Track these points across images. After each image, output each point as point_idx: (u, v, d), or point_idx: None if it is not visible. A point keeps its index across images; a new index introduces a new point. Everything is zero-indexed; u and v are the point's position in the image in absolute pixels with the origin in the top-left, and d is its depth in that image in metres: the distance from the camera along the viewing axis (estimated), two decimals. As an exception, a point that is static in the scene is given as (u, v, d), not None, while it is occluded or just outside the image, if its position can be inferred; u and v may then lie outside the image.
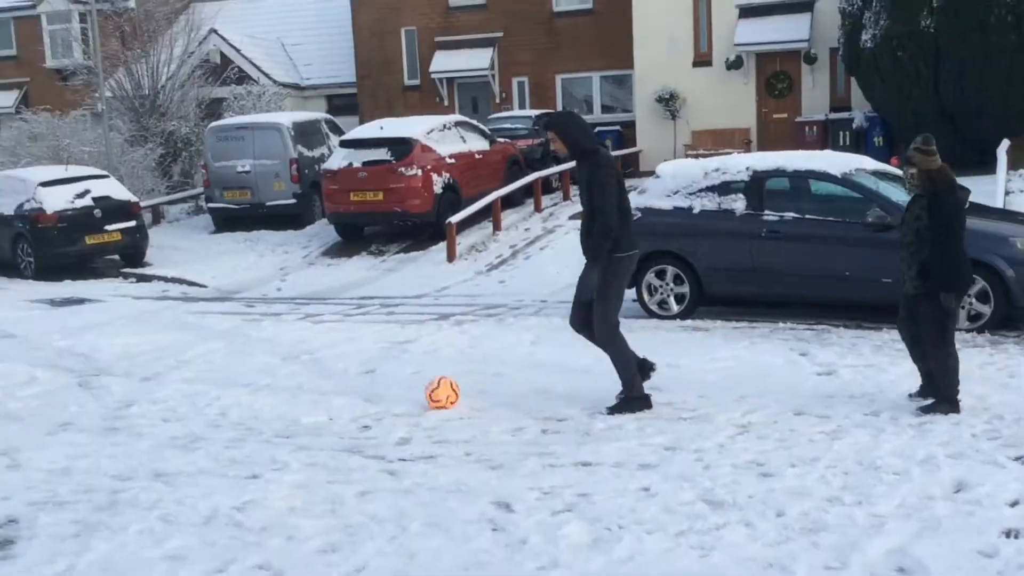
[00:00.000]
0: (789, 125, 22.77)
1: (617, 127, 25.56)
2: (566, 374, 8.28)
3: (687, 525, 4.91)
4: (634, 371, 7.13)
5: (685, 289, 10.96)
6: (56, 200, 16.81)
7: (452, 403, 7.36)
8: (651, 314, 11.00)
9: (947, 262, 6.54)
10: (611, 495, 5.38)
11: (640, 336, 9.78)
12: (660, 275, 11.07)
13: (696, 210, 11.00)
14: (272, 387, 8.30)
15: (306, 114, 22.41)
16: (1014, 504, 4.97)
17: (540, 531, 4.94)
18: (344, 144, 18.00)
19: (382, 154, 17.14)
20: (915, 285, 6.79)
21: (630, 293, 11.37)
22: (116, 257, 17.90)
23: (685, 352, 8.95)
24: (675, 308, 10.98)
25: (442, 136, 17.83)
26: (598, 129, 24.80)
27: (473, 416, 7.15)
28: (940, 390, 6.69)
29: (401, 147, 17.08)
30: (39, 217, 16.61)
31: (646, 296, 11.11)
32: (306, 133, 20.24)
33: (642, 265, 11.08)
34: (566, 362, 8.66)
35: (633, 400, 7.10)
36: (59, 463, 6.37)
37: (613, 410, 7.06)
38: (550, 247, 15.98)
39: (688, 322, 10.60)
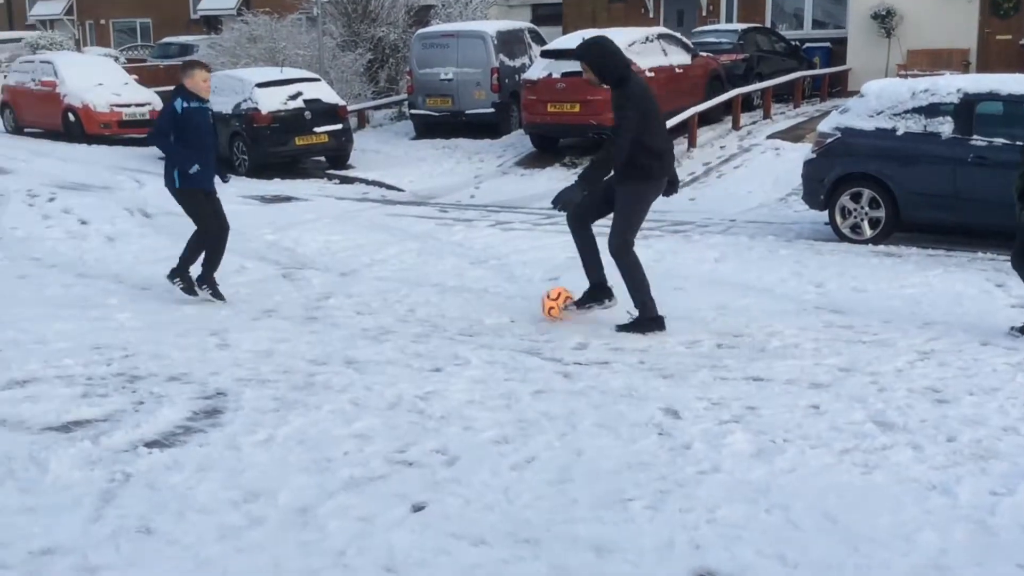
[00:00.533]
0: (1013, 47, 21.38)
1: (827, 44, 24.57)
2: (746, 292, 8.28)
3: (853, 443, 4.94)
4: (647, 291, 7.08)
5: (881, 213, 10.66)
6: (270, 101, 17.61)
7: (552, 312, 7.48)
8: (843, 238, 10.78)
9: None
10: (779, 410, 5.45)
11: (828, 259, 9.68)
12: (855, 198, 10.80)
13: (899, 132, 10.63)
14: (459, 288, 8.65)
15: (510, 23, 22.53)
16: None
17: (704, 438, 5.07)
18: (545, 54, 18.07)
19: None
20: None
21: (821, 215, 11.21)
22: (322, 159, 18.68)
23: (874, 277, 8.78)
24: (868, 232, 10.71)
25: (643, 49, 17.63)
26: (807, 45, 23.98)
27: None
28: None
29: (603, 59, 16.98)
30: (255, 117, 17.48)
31: (839, 219, 10.88)
32: (509, 42, 20.39)
33: (837, 187, 10.87)
34: (747, 280, 8.67)
35: (645, 321, 7.08)
36: (263, 346, 6.89)
37: (623, 328, 7.09)
38: (744, 166, 15.74)
39: (880, 247, 10.34)
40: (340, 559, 3.91)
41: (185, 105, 7.88)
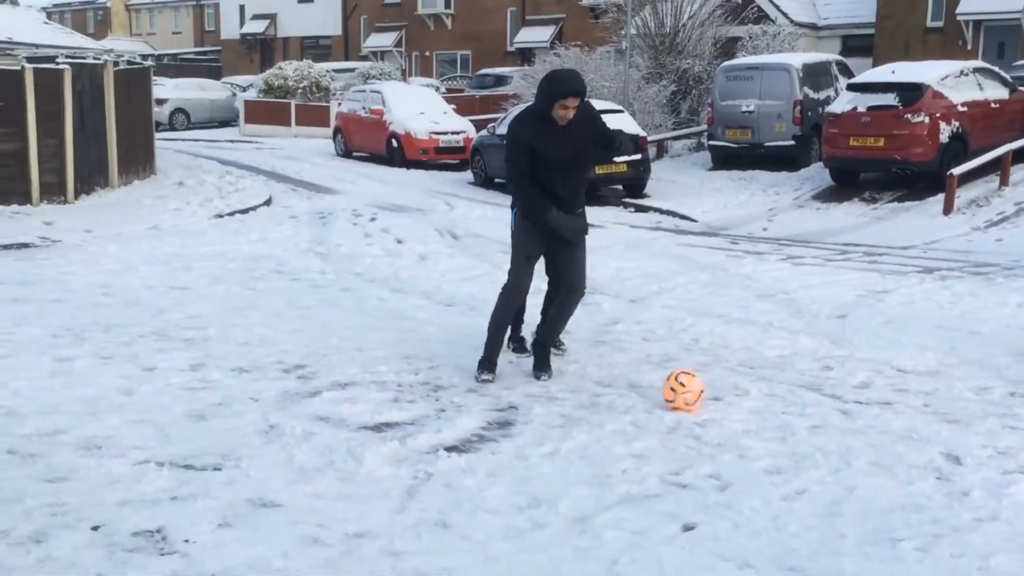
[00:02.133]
0: None
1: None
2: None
3: None
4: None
5: None
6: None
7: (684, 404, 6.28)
8: None
9: None
10: (1068, 465, 5.28)
11: None
12: None
13: None
14: (744, 320, 8.80)
15: (817, 55, 22.29)
16: None
17: (985, 486, 5.02)
18: (851, 87, 17.78)
19: (889, 99, 16.74)
20: None
21: None
22: (620, 187, 19.22)
23: None
24: None
25: (957, 83, 17.01)
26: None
27: (939, 371, 7.16)
28: None
29: (911, 93, 16.57)
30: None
31: None
32: (814, 75, 20.22)
33: None
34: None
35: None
36: (554, 365, 7.35)
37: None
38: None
39: None
40: (613, 567, 4.24)
41: None
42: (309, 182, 20.50)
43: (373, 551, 4.37)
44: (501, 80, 34.06)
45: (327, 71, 35.67)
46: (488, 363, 7.03)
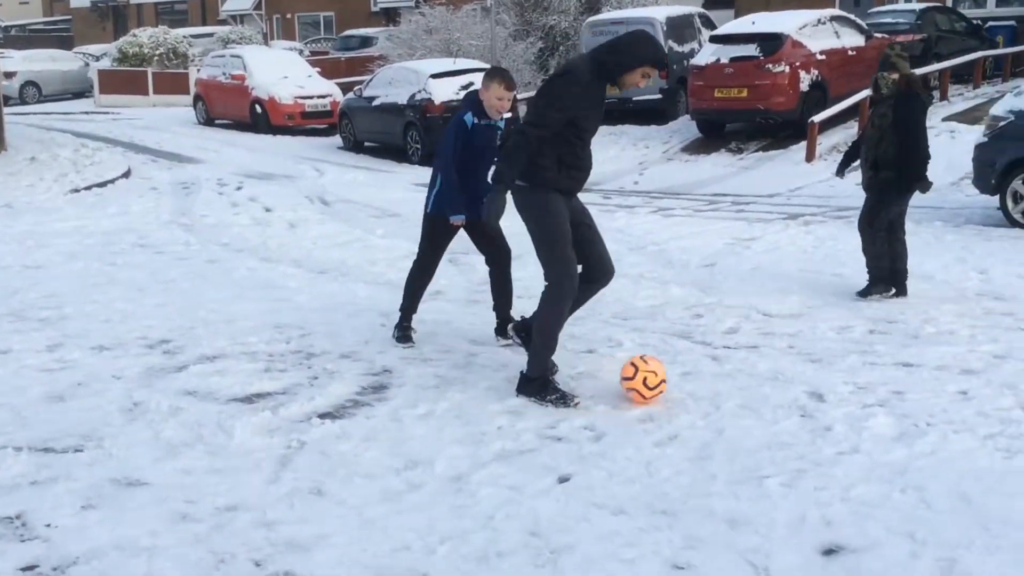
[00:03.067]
0: None
1: (1011, 22, 23.51)
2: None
3: (998, 429, 4.96)
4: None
5: (1057, 198, 10.32)
6: (443, 91, 18.18)
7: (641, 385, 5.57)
8: (1013, 223, 10.50)
9: (917, 154, 7.42)
10: (925, 395, 5.50)
11: (996, 245, 9.46)
12: (1029, 182, 10.48)
13: (1077, 114, 10.26)
14: (616, 274, 8.81)
15: (680, 8, 22.48)
16: None
17: (846, 421, 5.18)
18: (713, 39, 18.06)
19: (751, 50, 17.05)
20: (869, 177, 7.64)
21: (992, 200, 10.91)
22: (493, 147, 19.15)
23: (1043, 264, 8.55)
24: (1041, 218, 10.38)
25: (815, 32, 17.43)
26: (990, 24, 23.03)
27: (803, 314, 7.35)
28: (870, 272, 7.69)
29: (771, 43, 16.91)
30: (428, 107, 18.11)
31: (1010, 204, 10.59)
32: (678, 28, 20.42)
33: (1009, 171, 10.58)
34: (909, 266, 8.54)
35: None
36: (427, 326, 7.31)
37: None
38: (918, 150, 15.33)
39: (1055, 233, 10.02)
40: (489, 523, 4.24)
41: (475, 121, 6.51)
42: (170, 152, 19.88)
43: (245, 523, 4.27)
44: (367, 41, 33.56)
45: (184, 37, 34.58)
46: (550, 388, 5.68)
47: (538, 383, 5.70)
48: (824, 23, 17.82)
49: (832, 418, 5.23)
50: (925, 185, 7.56)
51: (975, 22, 22.38)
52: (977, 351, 6.25)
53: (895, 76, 7.43)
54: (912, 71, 7.54)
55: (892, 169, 7.48)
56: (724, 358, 6.37)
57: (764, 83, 16.69)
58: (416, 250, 7.04)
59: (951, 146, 14.75)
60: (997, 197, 10.76)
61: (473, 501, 4.45)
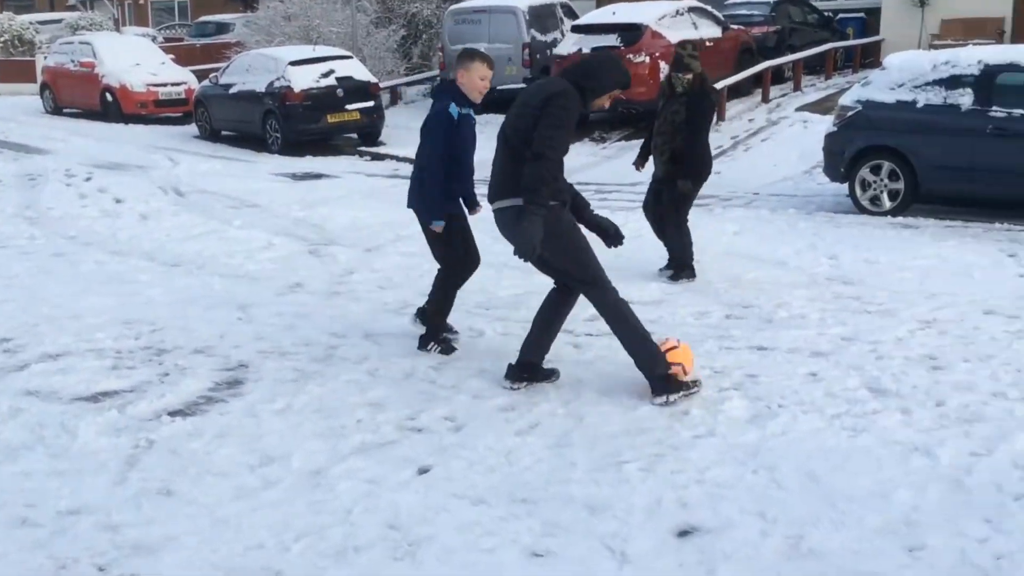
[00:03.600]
0: (1049, 15, 21.15)
1: (861, 14, 24.41)
2: (760, 264, 8.42)
3: (844, 408, 5.11)
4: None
5: (900, 185, 10.72)
6: (303, 79, 17.86)
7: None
8: (862, 210, 10.86)
9: (695, 152, 7.83)
10: (778, 378, 5.62)
11: (846, 231, 9.78)
12: (875, 170, 10.86)
13: (920, 104, 10.67)
14: (483, 263, 8.79)
15: (542, -3, 22.61)
16: None
17: (703, 405, 5.26)
18: (575, 29, 18.19)
19: (611, 40, 17.24)
20: (665, 169, 7.97)
21: (843, 188, 11.29)
22: (354, 135, 18.93)
23: (888, 248, 8.88)
24: (887, 204, 10.78)
25: (673, 22, 17.73)
26: (841, 16, 23.86)
27: (663, 300, 7.45)
28: (675, 261, 8.03)
29: (631, 33, 17.14)
30: (287, 95, 17.75)
31: (859, 191, 10.96)
32: (541, 17, 20.46)
33: (857, 159, 10.95)
34: (763, 253, 8.80)
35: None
36: (286, 319, 7.15)
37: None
38: (771, 139, 15.79)
39: (899, 219, 10.42)
40: (347, 517, 4.16)
41: (460, 111, 6.10)
42: (15, 143, 18.96)
43: (88, 526, 4.10)
44: (223, 28, 32.70)
45: (30, 23, 33.07)
46: (675, 382, 5.40)
47: (668, 379, 5.34)
48: (682, 14, 18.15)
49: (689, 403, 5.30)
50: (687, 185, 7.85)
51: (826, 14, 23.15)
52: (827, 334, 6.43)
53: (689, 76, 7.76)
54: (703, 71, 7.87)
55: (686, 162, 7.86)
56: (586, 345, 6.41)
57: (623, 73, 16.86)
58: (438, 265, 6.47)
59: (804, 135, 15.22)
60: (847, 185, 11.13)
61: (331, 496, 4.36)
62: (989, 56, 10.62)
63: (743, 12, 21.43)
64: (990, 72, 10.33)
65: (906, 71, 10.98)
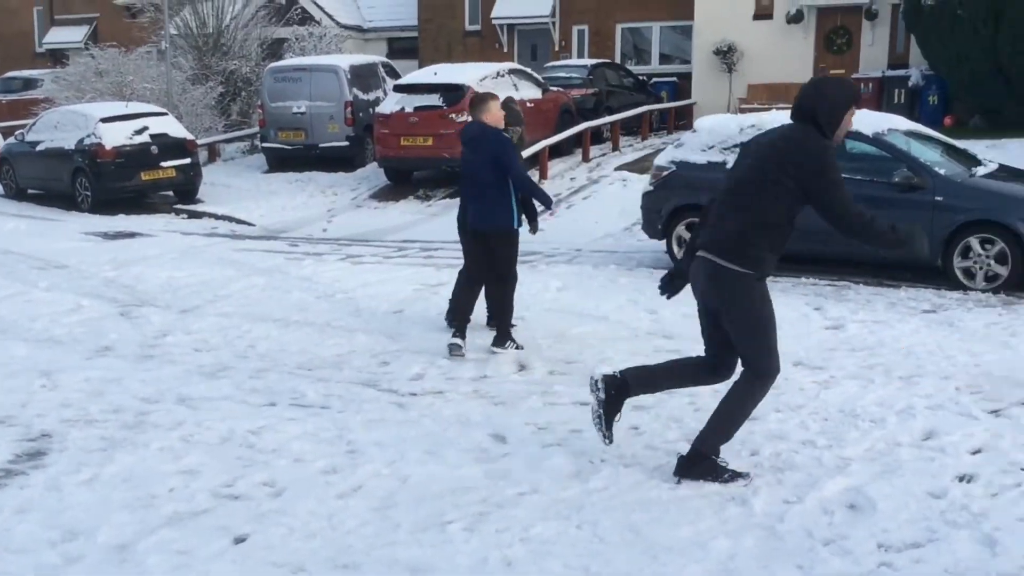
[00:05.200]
0: (846, 81, 22.54)
1: (674, 78, 25.49)
2: (584, 320, 8.54)
3: (665, 460, 5.19)
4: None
5: (714, 242, 11.11)
6: (115, 136, 17.28)
7: None
8: (679, 265, 11.19)
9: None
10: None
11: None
12: (691, 228, 11.24)
13: (729, 165, 11.12)
14: (302, 323, 8.67)
15: (364, 57, 22.65)
16: (975, 452, 5.19)
17: (527, 461, 5.26)
18: (397, 88, 18.29)
19: (434, 100, 17.42)
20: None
21: (661, 244, 11.63)
22: (170, 193, 18.41)
23: (704, 303, 9.15)
24: (699, 260, 11.15)
25: (495, 83, 17.99)
26: (655, 80, 24.85)
27: (487, 358, 7.45)
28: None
29: (453, 93, 17.33)
30: (98, 152, 17.12)
31: (675, 248, 11.29)
32: (363, 76, 20.51)
33: (673, 217, 11.32)
34: (586, 308, 8.94)
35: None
36: (94, 385, 6.80)
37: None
38: (593, 197, 16.18)
39: (714, 274, 10.78)
40: (157, 593, 3.94)
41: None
42: None
43: None
44: (30, 83, 31.37)
45: None
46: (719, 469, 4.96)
47: (709, 464, 4.94)
48: (503, 75, 18.49)
49: (513, 459, 5.29)
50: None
51: (641, 78, 24.06)
52: (647, 387, 6.54)
53: (519, 128, 8.18)
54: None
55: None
56: (410, 405, 6.34)
57: (449, 132, 17.02)
58: (500, 272, 7.62)
59: (623, 193, 15.66)
60: (664, 242, 11.47)
61: (139, 570, 4.14)
62: (791, 119, 11.19)
63: (562, 75, 22.03)
64: (793, 134, 10.88)
65: (715, 133, 11.47)
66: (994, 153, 13.20)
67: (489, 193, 7.45)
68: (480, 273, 7.80)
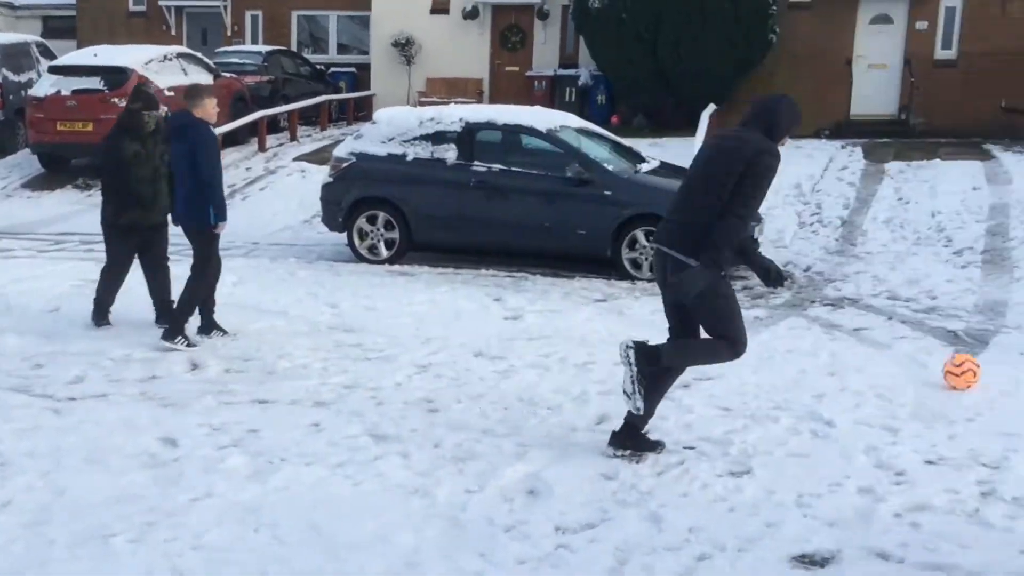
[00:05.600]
0: (520, 78, 23.28)
1: (352, 69, 25.30)
2: (262, 315, 8.25)
3: (347, 457, 5.08)
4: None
5: (395, 235, 11.13)
6: None
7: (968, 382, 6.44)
8: (361, 258, 11.12)
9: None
10: (280, 430, 5.48)
11: (345, 280, 9.93)
12: (371, 220, 11.18)
13: (409, 158, 11.17)
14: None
15: (14, 36, 20.88)
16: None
17: (201, 464, 4.98)
18: (53, 70, 16.98)
19: (95, 83, 16.34)
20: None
21: (342, 237, 11.49)
22: None
23: (386, 296, 9.12)
24: (384, 253, 11.14)
25: (162, 67, 17.15)
26: (333, 70, 24.57)
27: (155, 357, 7.01)
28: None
29: (116, 76, 16.33)
30: None
31: (356, 241, 11.21)
32: (14, 56, 18.92)
33: (354, 210, 11.21)
34: (264, 303, 8.66)
35: None
36: None
37: None
38: (270, 188, 15.77)
39: (396, 267, 10.79)
40: None
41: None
42: None
43: None
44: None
45: None
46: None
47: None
48: (171, 59, 17.65)
49: (186, 463, 4.99)
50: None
51: (319, 67, 23.73)
52: (329, 383, 6.40)
53: (157, 114, 7.70)
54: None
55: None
56: (68, 411, 5.83)
57: (111, 117, 15.94)
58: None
59: (302, 185, 15.38)
60: (345, 234, 11.34)
61: None
62: (469, 114, 11.40)
63: (235, 60, 21.33)
64: (471, 129, 11.08)
65: (394, 125, 11.47)
66: (656, 151, 14.05)
67: (188, 184, 7.25)
68: (124, 266, 7.98)
